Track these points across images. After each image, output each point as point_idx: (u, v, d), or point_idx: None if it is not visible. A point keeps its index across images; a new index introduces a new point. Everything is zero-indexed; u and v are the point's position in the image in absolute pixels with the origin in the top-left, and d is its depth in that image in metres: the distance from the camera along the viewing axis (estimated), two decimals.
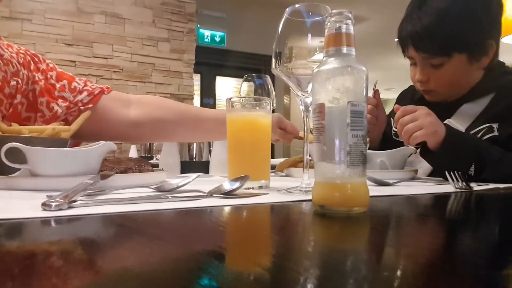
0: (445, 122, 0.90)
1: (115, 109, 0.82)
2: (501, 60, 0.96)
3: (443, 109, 0.92)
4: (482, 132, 0.85)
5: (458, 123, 0.90)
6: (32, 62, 0.79)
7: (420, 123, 0.76)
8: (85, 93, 0.81)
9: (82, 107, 0.80)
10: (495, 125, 0.83)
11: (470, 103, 0.91)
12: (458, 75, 0.89)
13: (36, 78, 0.77)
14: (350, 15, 0.41)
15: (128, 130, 0.78)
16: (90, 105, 0.81)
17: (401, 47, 0.95)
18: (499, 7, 0.89)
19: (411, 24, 0.87)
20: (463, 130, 0.88)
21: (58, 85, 0.79)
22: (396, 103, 1.14)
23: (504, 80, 0.91)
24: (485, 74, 0.92)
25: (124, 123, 0.80)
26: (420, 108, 0.78)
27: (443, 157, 0.77)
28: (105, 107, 0.81)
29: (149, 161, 0.74)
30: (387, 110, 1.11)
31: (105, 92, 0.84)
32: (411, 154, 0.87)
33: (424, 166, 0.96)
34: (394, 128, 1.07)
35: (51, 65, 0.82)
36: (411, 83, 1.05)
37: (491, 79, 0.91)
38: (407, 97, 1.12)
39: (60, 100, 0.78)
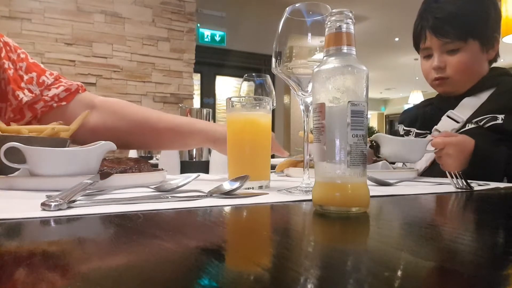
0: (448, 113, 1.00)
1: (79, 113, 0.78)
2: (502, 62, 1.04)
3: (447, 104, 1.03)
4: (486, 120, 0.91)
5: (459, 113, 0.99)
6: (3, 50, 0.77)
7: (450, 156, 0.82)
8: (61, 88, 0.79)
9: (55, 104, 0.78)
10: (500, 116, 0.90)
11: (470, 97, 1.00)
12: (472, 61, 0.98)
13: (6, 66, 0.75)
14: (350, 15, 0.41)
15: (86, 135, 0.75)
16: (64, 103, 0.79)
17: (417, 40, 1.04)
18: (500, 12, 1.05)
19: (432, 14, 0.98)
20: (464, 120, 0.96)
21: (26, 77, 0.77)
22: (400, 119, 1.26)
23: (503, 79, 1.00)
24: (488, 72, 1.02)
25: (83, 128, 0.76)
26: (447, 147, 0.83)
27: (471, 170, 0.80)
28: (71, 109, 0.79)
29: (149, 161, 0.74)
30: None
31: (80, 91, 0.82)
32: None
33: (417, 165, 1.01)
34: (404, 128, 1.16)
35: (22, 56, 0.80)
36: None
37: (492, 77, 1.00)
38: (412, 111, 1.22)
39: (26, 91, 0.76)
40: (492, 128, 0.89)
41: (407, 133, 1.12)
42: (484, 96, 0.97)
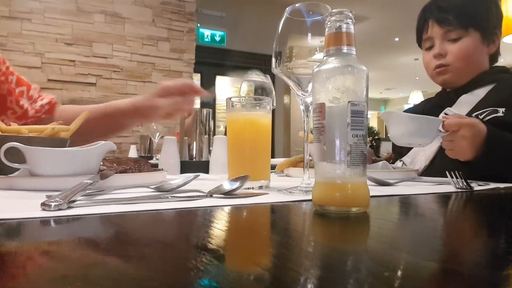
0: (445, 110, 0.98)
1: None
2: (502, 62, 1.05)
3: (446, 101, 1.03)
4: (486, 113, 0.90)
5: (457, 110, 0.98)
6: None
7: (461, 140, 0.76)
8: (45, 100, 0.84)
9: (43, 116, 0.83)
10: (500, 109, 0.89)
11: (468, 94, 1.00)
12: (472, 50, 1.00)
13: (2, 79, 0.78)
14: (350, 15, 0.41)
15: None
16: (48, 115, 0.84)
17: (420, 32, 1.07)
18: (501, 11, 1.06)
19: (436, 4, 1.02)
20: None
21: (17, 90, 0.81)
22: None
23: (503, 75, 1.01)
24: (488, 70, 1.02)
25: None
26: (462, 128, 0.76)
27: (485, 161, 0.76)
28: (54, 120, 0.83)
29: (149, 161, 0.74)
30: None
31: (56, 103, 0.88)
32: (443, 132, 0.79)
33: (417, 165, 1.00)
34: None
35: (11, 69, 0.83)
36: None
37: (491, 73, 1.01)
38: (411, 110, 1.22)
39: (20, 103, 0.80)
40: (492, 122, 0.88)
41: None
42: (482, 93, 0.97)
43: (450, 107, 1.00)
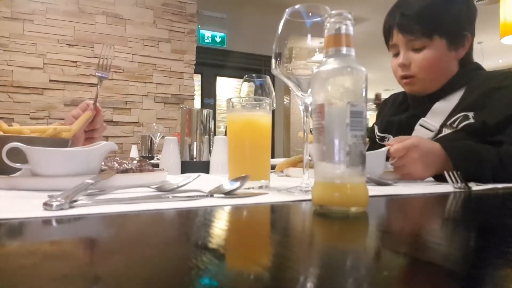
0: (420, 121, 0.95)
1: None
2: (500, 63, 1.00)
3: (418, 109, 0.99)
4: (459, 120, 0.88)
5: (431, 120, 0.94)
6: None
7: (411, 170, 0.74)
8: None
9: None
10: (470, 114, 0.86)
11: (442, 101, 0.95)
12: (437, 59, 0.94)
13: None
14: (349, 16, 0.41)
15: None
16: None
17: (386, 38, 1.02)
18: (475, 11, 0.99)
19: (400, 10, 0.96)
20: (437, 127, 0.92)
21: None
22: (379, 111, 1.22)
23: (475, 74, 0.96)
24: (458, 70, 0.97)
25: None
26: (409, 151, 0.74)
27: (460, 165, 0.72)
28: None
29: (150, 161, 0.74)
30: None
31: None
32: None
33: None
34: (378, 134, 1.11)
35: None
36: None
37: (463, 74, 0.96)
38: (388, 105, 1.19)
39: None
40: (467, 130, 0.85)
41: (382, 139, 1.08)
42: (455, 99, 0.93)
43: (425, 116, 0.96)
